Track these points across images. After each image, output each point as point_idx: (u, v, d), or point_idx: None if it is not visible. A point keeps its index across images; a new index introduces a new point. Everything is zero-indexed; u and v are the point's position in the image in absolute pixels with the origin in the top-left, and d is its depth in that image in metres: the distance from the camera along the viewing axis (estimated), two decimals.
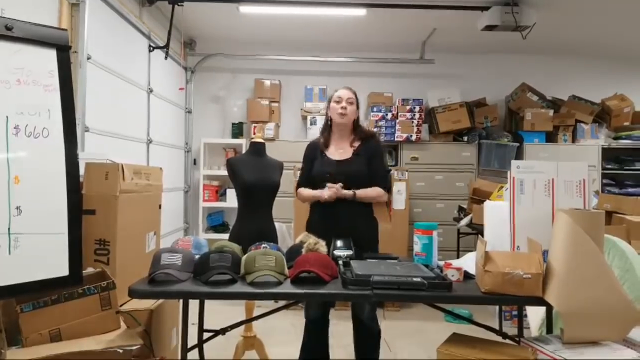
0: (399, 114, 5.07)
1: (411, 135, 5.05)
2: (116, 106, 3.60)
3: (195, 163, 5.48)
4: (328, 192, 2.32)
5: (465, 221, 4.24)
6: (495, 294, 1.59)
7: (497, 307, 3.37)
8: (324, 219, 2.38)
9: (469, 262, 1.86)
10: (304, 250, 1.91)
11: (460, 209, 4.63)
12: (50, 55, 1.73)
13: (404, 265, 1.89)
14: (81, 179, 1.91)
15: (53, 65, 1.73)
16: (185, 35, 5.04)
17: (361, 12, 4.29)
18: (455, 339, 1.72)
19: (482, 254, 1.64)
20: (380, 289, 1.62)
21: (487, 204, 2.27)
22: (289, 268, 1.81)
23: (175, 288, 1.65)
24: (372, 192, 2.42)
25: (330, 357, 2.54)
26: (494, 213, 2.09)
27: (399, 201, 4.42)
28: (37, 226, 1.63)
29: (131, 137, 3.87)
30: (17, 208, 1.59)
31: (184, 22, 4.58)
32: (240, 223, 2.75)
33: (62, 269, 1.68)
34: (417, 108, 5.05)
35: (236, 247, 2.03)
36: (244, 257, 1.80)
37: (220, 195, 5.36)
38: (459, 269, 1.79)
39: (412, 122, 5.05)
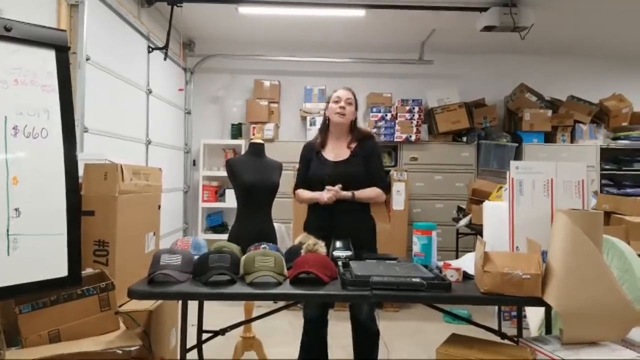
0: (398, 114, 5.07)
1: (410, 136, 5.05)
2: (115, 107, 3.60)
3: (194, 164, 5.48)
4: (327, 194, 2.32)
5: (464, 221, 4.24)
6: (495, 294, 1.59)
7: (496, 308, 3.37)
8: (321, 220, 2.38)
9: (468, 262, 1.86)
10: (303, 251, 1.91)
11: (460, 209, 4.63)
12: (49, 56, 1.73)
13: (403, 266, 1.89)
14: (80, 180, 1.91)
15: (52, 65, 1.73)
16: (184, 36, 5.04)
17: (360, 12, 4.29)
18: (455, 339, 1.72)
19: (481, 254, 1.64)
20: (380, 289, 1.62)
21: (486, 204, 2.27)
22: (288, 269, 1.81)
23: (174, 289, 1.65)
24: (371, 193, 2.42)
25: (329, 358, 2.54)
26: (493, 213, 2.09)
27: (398, 201, 4.42)
28: (36, 227, 1.63)
29: (130, 137, 3.87)
30: (16, 209, 1.58)
31: (183, 23, 4.58)
32: (239, 224, 2.75)
33: (61, 270, 1.68)
34: (417, 108, 5.05)
35: (235, 248, 2.03)
36: (243, 258, 1.80)
37: (220, 195, 5.36)
38: (458, 270, 1.79)
39: (412, 122, 5.05)
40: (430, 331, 3.67)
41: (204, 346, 2.17)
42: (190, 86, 5.47)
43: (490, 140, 5.11)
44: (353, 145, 2.48)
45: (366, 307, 2.40)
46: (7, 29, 1.62)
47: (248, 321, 2.46)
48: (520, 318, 2.20)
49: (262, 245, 2.02)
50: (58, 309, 1.67)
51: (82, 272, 1.78)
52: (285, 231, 3.96)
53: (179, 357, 1.77)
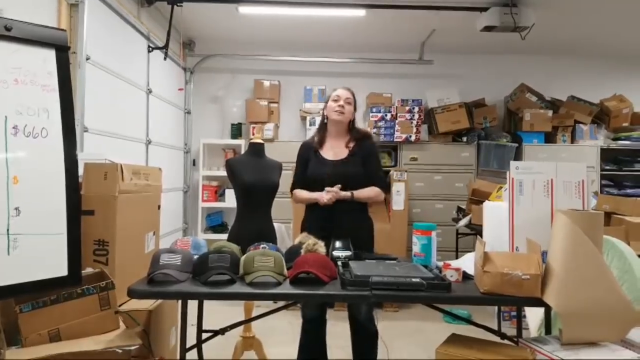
0: (398, 114, 5.07)
1: (410, 136, 5.05)
2: (115, 106, 3.60)
3: (194, 164, 5.48)
4: (327, 195, 2.32)
5: (464, 222, 4.24)
6: (494, 294, 1.59)
7: (496, 308, 3.38)
8: (320, 220, 2.37)
9: (467, 262, 1.86)
10: (303, 251, 1.91)
11: (459, 209, 4.63)
12: (49, 55, 1.73)
13: (403, 266, 1.89)
14: (80, 180, 1.91)
15: (52, 65, 1.73)
16: (184, 36, 5.04)
17: (360, 12, 4.29)
18: (454, 339, 1.72)
19: (481, 254, 1.64)
20: (379, 289, 1.62)
21: (486, 204, 2.27)
22: (288, 269, 1.81)
23: (174, 288, 1.65)
24: (370, 192, 2.42)
25: (329, 358, 2.54)
26: (493, 214, 2.09)
27: (398, 202, 4.42)
28: (36, 226, 1.63)
29: (130, 137, 3.87)
30: (16, 209, 1.58)
31: (183, 23, 4.58)
32: (239, 223, 2.75)
33: (61, 269, 1.68)
34: (417, 108, 5.06)
35: (235, 248, 2.02)
36: (242, 258, 1.80)
37: (220, 195, 5.36)
38: (457, 270, 1.79)
39: (412, 122, 5.05)
40: (429, 331, 3.67)
41: (204, 346, 2.17)
42: (190, 86, 5.47)
43: (490, 141, 5.11)
44: (351, 145, 2.47)
45: (365, 307, 2.40)
46: (7, 29, 1.62)
47: (248, 321, 2.46)
48: (519, 318, 2.20)
49: (262, 245, 2.02)
50: (58, 308, 1.67)
51: (82, 271, 1.78)
52: (285, 231, 3.96)
53: (178, 357, 1.77)
